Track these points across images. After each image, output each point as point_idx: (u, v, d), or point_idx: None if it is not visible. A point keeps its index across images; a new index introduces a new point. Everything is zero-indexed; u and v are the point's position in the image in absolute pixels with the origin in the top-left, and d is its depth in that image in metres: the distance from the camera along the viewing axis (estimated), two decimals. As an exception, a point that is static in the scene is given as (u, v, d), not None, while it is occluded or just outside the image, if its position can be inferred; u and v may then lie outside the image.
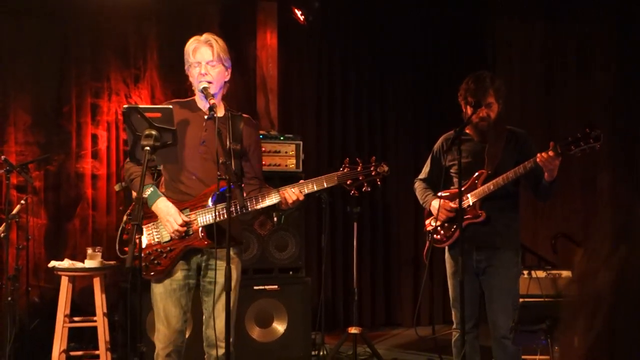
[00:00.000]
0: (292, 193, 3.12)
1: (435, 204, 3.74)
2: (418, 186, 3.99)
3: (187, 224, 3.11)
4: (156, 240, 3.16)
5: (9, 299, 4.35)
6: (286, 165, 5.30)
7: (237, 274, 3.21)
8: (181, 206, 3.15)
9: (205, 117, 3.22)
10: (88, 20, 5.58)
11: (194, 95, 3.30)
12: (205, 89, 3.11)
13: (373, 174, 3.17)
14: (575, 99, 6.84)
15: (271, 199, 3.13)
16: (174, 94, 3.42)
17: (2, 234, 4.39)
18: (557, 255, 6.14)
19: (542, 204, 6.62)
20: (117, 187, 5.33)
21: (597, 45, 6.85)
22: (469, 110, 3.63)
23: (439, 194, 3.78)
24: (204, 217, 3.12)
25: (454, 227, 3.69)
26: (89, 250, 4.67)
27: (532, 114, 6.86)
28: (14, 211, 4.52)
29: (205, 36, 3.23)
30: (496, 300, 3.63)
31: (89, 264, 4.61)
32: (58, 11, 5.48)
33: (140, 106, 2.97)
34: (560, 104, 6.89)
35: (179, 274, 3.18)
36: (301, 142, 5.38)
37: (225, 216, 3.00)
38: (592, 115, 6.45)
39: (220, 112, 3.24)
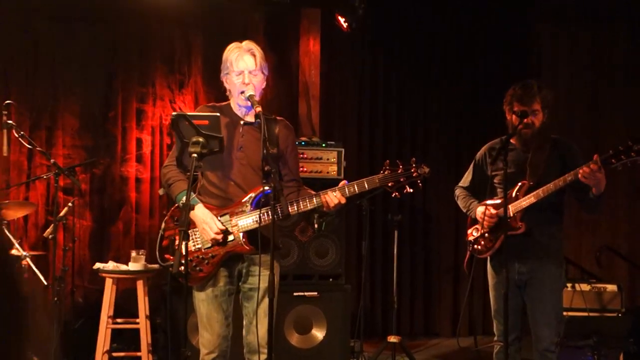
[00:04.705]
0: (334, 196, 3.11)
1: (480, 211, 3.71)
2: (460, 193, 3.96)
3: (224, 232, 3.12)
4: (197, 246, 3.18)
5: (55, 299, 4.44)
6: (327, 173, 5.30)
7: (276, 279, 3.23)
8: (220, 212, 3.16)
9: (242, 122, 3.24)
10: (135, 26, 5.69)
11: (229, 100, 3.32)
12: (252, 96, 3.14)
13: (414, 175, 3.15)
14: (622, 110, 6.70)
15: (313, 203, 3.14)
16: (217, 100, 3.44)
17: (50, 236, 4.48)
18: (601, 268, 6.02)
19: (585, 217, 6.51)
20: (160, 191, 5.41)
21: (629, 52, 6.70)
22: (514, 118, 3.59)
23: (487, 202, 3.74)
24: (245, 222, 3.13)
25: (494, 237, 3.65)
26: (133, 253, 4.74)
27: (577, 127, 6.75)
28: (62, 213, 4.62)
29: (246, 44, 3.24)
30: (539, 313, 3.58)
31: (132, 266, 4.67)
32: (107, 17, 5.60)
33: (189, 113, 3.00)
34: (606, 116, 6.76)
35: (220, 281, 3.20)
36: (343, 149, 5.38)
37: (267, 220, 3.01)
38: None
39: (254, 117, 3.23)
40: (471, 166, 3.95)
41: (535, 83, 3.63)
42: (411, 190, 3.17)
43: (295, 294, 5.07)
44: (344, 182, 3.17)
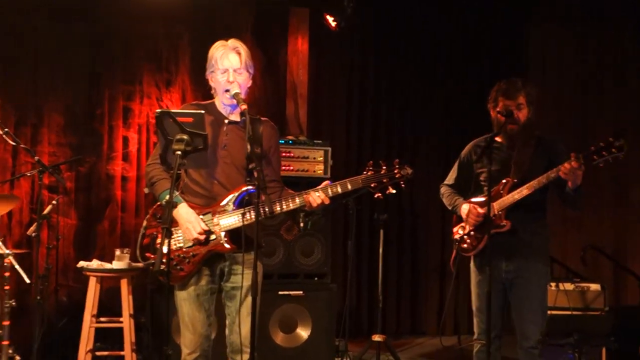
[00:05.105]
0: (317, 197, 3.12)
1: (465, 208, 3.71)
2: (445, 191, 3.97)
3: (206, 232, 3.11)
4: (179, 245, 3.16)
5: (38, 297, 4.41)
6: (314, 171, 5.31)
7: (259, 278, 3.21)
8: (203, 210, 3.15)
9: (226, 121, 3.23)
10: (120, 23, 5.65)
11: (214, 99, 3.31)
12: (237, 94, 3.13)
13: (397, 176, 3.17)
14: (612, 107, 6.73)
15: (296, 202, 3.14)
16: (204, 98, 3.43)
17: (33, 234, 4.45)
18: (586, 267, 6.05)
19: (571, 215, 6.55)
20: (146, 190, 5.35)
21: (633, 52, 6.73)
22: (499, 116, 3.60)
23: (471, 199, 3.75)
24: (227, 222, 3.13)
25: (480, 235, 3.66)
26: (117, 252, 4.72)
27: (567, 123, 6.77)
28: (45, 211, 4.59)
29: (231, 42, 3.24)
30: (527, 311, 3.58)
31: (116, 265, 4.65)
32: (91, 14, 5.56)
33: (173, 110, 2.99)
34: (596, 113, 6.79)
35: (202, 280, 3.19)
36: (330, 149, 5.39)
37: (251, 219, 3.01)
38: (629, 124, 6.34)
39: (239, 116, 3.23)
40: (456, 164, 3.96)
41: (519, 79, 3.65)
42: (394, 192, 3.18)
43: (280, 292, 5.07)
44: (326, 182, 3.18)
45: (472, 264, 3.80)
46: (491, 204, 3.55)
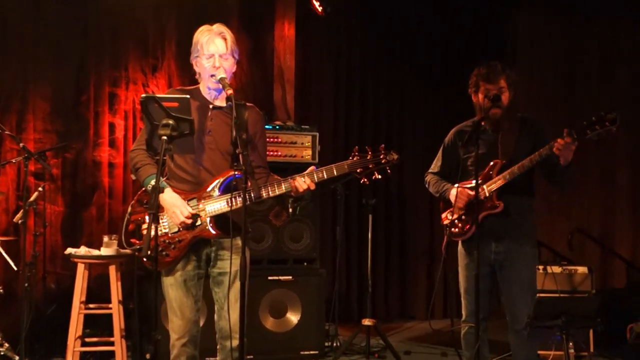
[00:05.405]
0: (303, 182, 3.12)
1: (454, 193, 3.71)
2: (431, 179, 3.96)
3: (193, 216, 3.10)
4: (164, 231, 3.15)
5: (26, 284, 4.39)
6: (302, 157, 5.30)
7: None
8: (188, 196, 3.14)
9: (211, 106, 3.22)
10: (106, 7, 5.59)
11: (198, 84, 3.29)
12: (223, 79, 3.11)
13: (383, 162, 3.19)
14: (597, 94, 6.76)
15: (281, 188, 3.14)
16: (191, 83, 3.41)
17: (20, 221, 4.42)
18: (573, 251, 6.09)
19: (557, 199, 6.58)
20: (133, 176, 5.35)
21: (619, 40, 6.76)
22: (482, 99, 3.59)
23: (456, 185, 3.75)
24: (212, 207, 3.12)
25: (471, 219, 3.66)
26: (105, 238, 4.70)
27: (554, 110, 6.80)
28: (32, 198, 4.56)
29: (217, 27, 3.21)
30: (517, 294, 3.59)
31: (104, 251, 4.63)
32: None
33: (158, 95, 2.96)
34: (582, 100, 6.81)
35: (188, 266, 3.18)
36: (317, 134, 5.38)
37: (236, 205, 3.01)
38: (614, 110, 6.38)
39: (224, 102, 3.22)
40: (440, 151, 3.95)
41: (498, 63, 3.64)
42: (380, 177, 3.20)
43: (269, 278, 5.08)
44: (312, 167, 3.18)
45: (460, 247, 3.80)
46: (482, 186, 3.56)
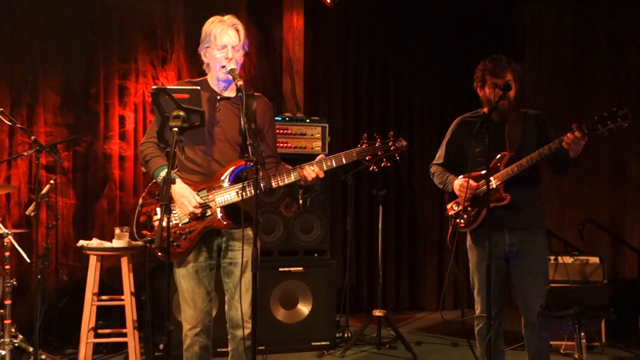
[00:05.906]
0: (312, 170, 3.12)
1: (457, 184, 3.70)
2: (435, 170, 3.94)
3: (202, 205, 3.11)
4: (175, 222, 3.16)
5: (39, 277, 4.42)
6: (312, 148, 5.29)
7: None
8: (198, 187, 3.15)
9: (219, 97, 3.22)
10: (114, 0, 5.60)
11: (206, 75, 3.29)
12: (233, 70, 3.11)
13: (392, 149, 3.18)
14: (607, 84, 6.71)
15: (290, 177, 3.14)
16: (200, 76, 3.41)
17: (32, 214, 4.44)
18: (584, 241, 6.07)
19: (569, 189, 6.56)
20: (144, 169, 5.37)
21: (629, 29, 6.70)
22: (489, 92, 3.59)
23: (460, 176, 3.73)
24: (222, 198, 3.12)
25: (477, 210, 3.65)
26: (117, 230, 4.72)
27: (562, 101, 6.77)
28: (43, 191, 4.58)
29: (229, 19, 3.21)
30: (532, 284, 3.57)
31: (116, 243, 4.65)
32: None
33: (169, 87, 2.96)
34: (591, 90, 6.78)
35: (200, 257, 3.19)
36: (327, 125, 5.38)
37: (248, 195, 3.00)
38: (624, 100, 6.34)
39: (232, 92, 3.22)
40: (444, 142, 3.93)
41: (503, 56, 3.64)
42: (389, 164, 3.19)
43: (280, 269, 5.09)
44: (321, 156, 3.18)
45: (469, 241, 3.78)
46: (489, 177, 3.54)
